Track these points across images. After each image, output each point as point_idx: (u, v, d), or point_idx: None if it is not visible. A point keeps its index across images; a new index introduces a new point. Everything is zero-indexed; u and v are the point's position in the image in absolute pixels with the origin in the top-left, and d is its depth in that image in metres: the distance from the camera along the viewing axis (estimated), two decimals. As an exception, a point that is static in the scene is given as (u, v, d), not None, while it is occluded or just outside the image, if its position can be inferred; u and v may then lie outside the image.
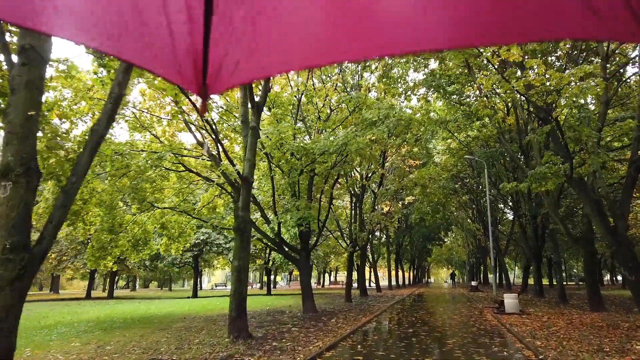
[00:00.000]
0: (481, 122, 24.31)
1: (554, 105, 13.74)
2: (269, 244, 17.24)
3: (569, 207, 29.13)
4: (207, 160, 13.19)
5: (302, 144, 15.72)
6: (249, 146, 11.39)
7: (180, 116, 13.37)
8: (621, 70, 18.68)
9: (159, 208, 18.65)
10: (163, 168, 15.82)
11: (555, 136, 15.59)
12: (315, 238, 18.77)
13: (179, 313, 19.16)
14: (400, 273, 54.80)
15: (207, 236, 34.04)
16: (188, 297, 36.88)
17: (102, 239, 18.71)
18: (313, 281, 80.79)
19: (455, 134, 31.99)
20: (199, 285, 72.99)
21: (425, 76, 24.12)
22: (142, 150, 12.86)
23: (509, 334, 11.18)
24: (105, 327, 14.29)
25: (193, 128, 14.48)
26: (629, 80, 22.13)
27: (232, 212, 17.40)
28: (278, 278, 78.99)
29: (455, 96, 26.66)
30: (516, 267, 69.46)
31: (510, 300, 15.99)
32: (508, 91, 13.29)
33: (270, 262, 38.37)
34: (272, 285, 65.76)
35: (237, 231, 11.13)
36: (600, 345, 8.74)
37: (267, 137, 17.04)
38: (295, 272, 74.11)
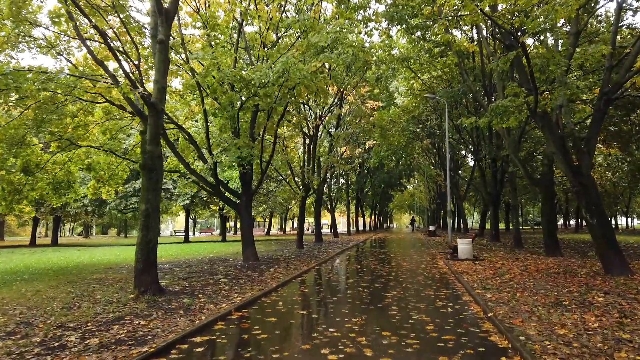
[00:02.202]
0: (444, 59, 22.48)
1: (522, 29, 12.08)
2: (205, 187, 15.37)
3: (528, 151, 28.42)
4: (111, 84, 10.93)
5: (239, 74, 13.55)
6: (157, 65, 9.22)
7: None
8: (592, 3, 17.08)
9: (80, 146, 16.30)
10: (75, 97, 13.37)
11: (521, 65, 14.03)
12: (257, 181, 16.99)
13: (111, 262, 17.38)
14: (361, 219, 54.51)
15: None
16: (134, 245, 35.07)
17: (15, 180, 16.38)
18: (275, 228, 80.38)
19: (419, 74, 30.24)
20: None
21: (387, 7, 21.88)
22: (29, 70, 10.46)
23: (458, 283, 10.01)
24: (9, 279, 12.39)
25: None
26: (599, 15, 20.70)
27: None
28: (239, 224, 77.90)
29: (419, 32, 24.65)
30: (475, 213, 70.77)
31: (463, 246, 15.00)
32: (472, 12, 11.40)
33: (226, 208, 36.67)
34: (232, 232, 64.79)
35: (145, 169, 9.18)
36: (558, 297, 7.58)
37: (199, 62, 14.77)
38: (259, 219, 73.28)
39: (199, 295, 8.83)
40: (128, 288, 9.84)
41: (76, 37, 10.80)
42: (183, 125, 17.13)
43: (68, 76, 11.22)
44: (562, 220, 58.19)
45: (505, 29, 11.31)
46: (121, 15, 11.83)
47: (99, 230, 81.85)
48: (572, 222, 59.93)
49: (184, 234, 43.74)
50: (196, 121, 20.80)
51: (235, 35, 16.52)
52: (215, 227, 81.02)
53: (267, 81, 13.08)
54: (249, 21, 15.73)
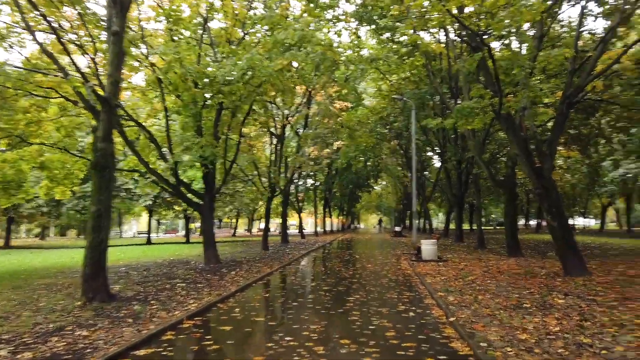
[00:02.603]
0: (412, 60, 22.52)
1: (488, 31, 12.13)
2: (165, 187, 14.75)
3: (492, 154, 28.96)
4: (62, 78, 10.26)
5: (203, 70, 13.06)
6: (111, 57, 8.67)
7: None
8: (555, 10, 17.46)
9: (32, 144, 15.42)
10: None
11: (486, 67, 14.14)
12: (221, 181, 16.49)
13: (64, 266, 16.48)
14: (329, 219, 54.41)
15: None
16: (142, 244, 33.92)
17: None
18: (242, 229, 79.28)
19: (387, 76, 30.34)
20: (118, 234, 69.05)
21: (356, 7, 21.79)
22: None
23: (421, 286, 9.89)
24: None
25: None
26: (562, 20, 21.22)
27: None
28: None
29: (387, 34, 24.68)
30: (440, 213, 71.91)
31: (427, 247, 14.98)
32: (439, 13, 11.36)
33: (190, 209, 35.74)
34: (197, 233, 63.37)
35: (96, 167, 8.61)
36: (519, 300, 7.53)
37: (161, 57, 14.14)
38: (226, 220, 72.06)
39: (152, 302, 8.35)
40: (77, 294, 9.23)
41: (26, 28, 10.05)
42: (145, 124, 16.47)
43: (15, 69, 10.46)
44: (523, 221, 59.80)
45: (472, 30, 11.30)
46: (77, 7, 11.15)
47: (57, 231, 78.54)
48: (532, 222, 61.77)
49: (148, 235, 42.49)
50: (159, 119, 20.09)
51: (200, 32, 15.98)
52: (180, 229, 79.19)
53: (231, 78, 12.67)
54: (214, 16, 15.25)
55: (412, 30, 15.13)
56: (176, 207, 39.56)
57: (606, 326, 5.61)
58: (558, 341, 5.04)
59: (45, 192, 17.99)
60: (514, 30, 11.56)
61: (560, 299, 7.57)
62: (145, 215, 56.30)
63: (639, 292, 7.99)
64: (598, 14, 17.23)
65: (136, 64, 14.34)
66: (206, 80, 12.90)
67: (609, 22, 18.01)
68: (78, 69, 9.15)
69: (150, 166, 16.36)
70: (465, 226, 49.78)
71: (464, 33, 17.24)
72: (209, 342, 5.71)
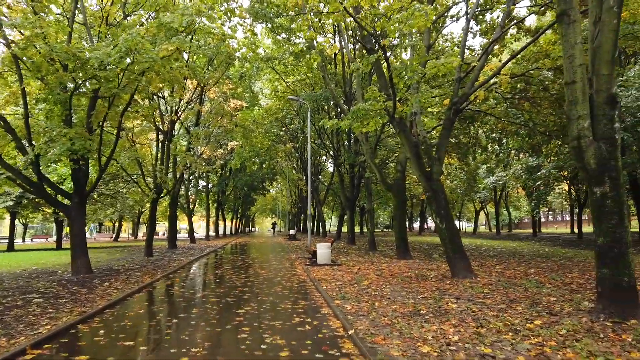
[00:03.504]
0: (308, 58, 22.29)
1: (383, 32, 12.18)
2: (25, 185, 12.47)
3: (382, 159, 30.08)
4: None
5: (72, 50, 11.21)
6: None
7: None
8: (440, 23, 18.47)
9: None
10: None
11: (381, 70, 14.30)
12: (94, 180, 14.50)
13: None
14: (222, 222, 52.44)
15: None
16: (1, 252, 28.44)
17: None
18: (126, 233, 73.30)
19: (283, 77, 29.97)
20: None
21: (251, 2, 20.99)
22: None
23: (317, 293, 9.40)
24: None
25: None
26: (446, 34, 22.62)
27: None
28: (85, 229, 68.96)
29: (284, 34, 24.28)
30: (333, 216, 73.66)
31: (322, 251, 14.68)
32: (335, 10, 11.05)
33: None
34: (67, 239, 56.75)
35: None
36: (415, 306, 7.36)
37: (20, 32, 11.97)
38: (107, 223, 65.73)
39: (-8, 325, 6.70)
40: None
41: None
42: (4, 112, 13.90)
43: None
44: (407, 224, 63.73)
45: (367, 31, 11.22)
46: None
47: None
48: (416, 225, 66.16)
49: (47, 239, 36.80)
50: (21, 107, 17.26)
51: (71, 8, 13.91)
52: (54, 233, 70.67)
53: (108, 62, 11.08)
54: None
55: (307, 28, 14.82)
56: (46, 209, 34.89)
57: (502, 332, 5.55)
58: (460, 352, 4.78)
59: None
60: (407, 32, 11.70)
61: (453, 303, 7.57)
62: (7, 218, 49.03)
63: (520, 293, 8.35)
64: (476, 31, 18.62)
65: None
66: (77, 62, 11.13)
67: (485, 40, 19.63)
68: None
69: (10, 160, 13.88)
70: (356, 229, 51.43)
71: (358, 36, 17.41)
72: (55, 381, 4.51)
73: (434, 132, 20.62)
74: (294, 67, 29.01)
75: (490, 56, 16.17)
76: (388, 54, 17.61)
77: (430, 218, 65.59)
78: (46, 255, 22.90)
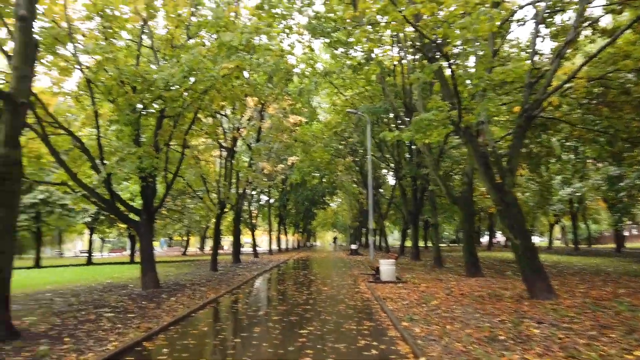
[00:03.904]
0: (367, 70, 22.08)
1: (446, 40, 11.66)
2: (98, 202, 13.13)
3: (446, 171, 28.94)
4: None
5: (139, 72, 11.76)
6: (17, 47, 7.30)
7: None
8: (506, 29, 17.53)
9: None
10: None
11: (443, 78, 13.67)
12: (161, 196, 15.02)
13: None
14: (284, 237, 53.04)
15: (47, 195, 27.88)
16: (28, 268, 30.62)
17: None
18: (194, 247, 76.17)
19: (341, 90, 29.92)
20: (58, 253, 64.27)
21: (309, 19, 21.18)
22: None
23: (382, 313, 8.93)
24: None
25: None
26: (512, 40, 21.50)
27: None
28: (155, 243, 72.55)
29: (341, 49, 24.26)
30: (395, 231, 72.23)
31: (386, 267, 14.15)
32: (395, 21, 10.73)
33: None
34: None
35: (-4, 178, 7.15)
36: (492, 330, 6.72)
37: (91, 56, 12.66)
38: (177, 238, 68.71)
39: (65, 339, 6.91)
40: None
41: None
42: (80, 133, 14.83)
43: None
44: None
45: (429, 38, 10.74)
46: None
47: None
48: (483, 240, 63.01)
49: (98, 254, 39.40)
50: (97, 128, 18.42)
51: (139, 33, 14.68)
52: (128, 247, 74.99)
53: (172, 82, 11.45)
54: (155, 15, 13.98)
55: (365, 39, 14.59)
56: (120, 225, 37.02)
57: (599, 365, 4.85)
58: (551, 389, 4.19)
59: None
60: (471, 38, 11.10)
61: (535, 328, 6.83)
62: (87, 233, 52.61)
63: (613, 318, 7.41)
64: (545, 34, 17.50)
65: (67, 65, 12.82)
66: (144, 84, 11.62)
67: (555, 43, 18.39)
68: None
69: (86, 179, 14.69)
70: (420, 243, 49.88)
71: (418, 45, 16.88)
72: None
73: (502, 141, 19.51)
74: (352, 81, 28.88)
75: (561, 60, 15.12)
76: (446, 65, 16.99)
77: (500, 232, 62.31)
78: (120, 269, 24.09)
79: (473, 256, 15.99)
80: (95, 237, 44.14)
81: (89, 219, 31.97)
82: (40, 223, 30.83)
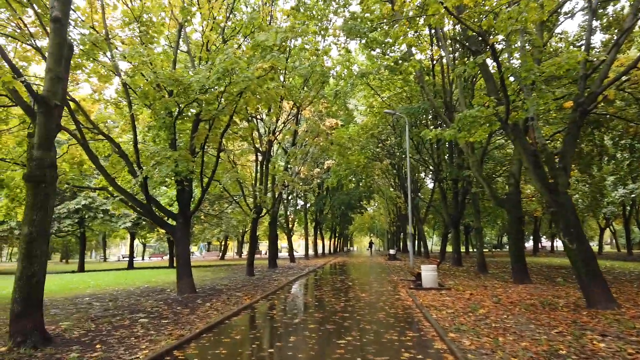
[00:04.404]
0: (406, 66, 21.45)
1: (490, 31, 10.98)
2: (135, 206, 13.16)
3: (488, 173, 27.75)
4: None
5: (175, 76, 11.69)
6: (51, 49, 7.25)
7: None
8: (554, 21, 16.51)
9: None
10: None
11: (488, 73, 12.93)
12: (197, 201, 14.92)
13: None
14: (320, 242, 52.66)
15: (90, 201, 28.69)
16: (72, 272, 31.63)
17: None
18: (232, 252, 77.07)
19: (378, 92, 29.33)
20: (102, 257, 66.57)
21: (344, 20, 20.85)
22: None
23: (426, 322, 8.34)
24: None
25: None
26: (559, 33, 20.36)
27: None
28: (194, 248, 74.04)
29: (378, 49, 23.77)
30: (434, 235, 70.49)
31: (428, 273, 13.46)
32: (436, 13, 10.16)
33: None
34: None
35: (30, 180, 7.10)
36: (550, 343, 6.04)
37: (128, 61, 12.72)
38: (215, 242, 69.73)
39: (97, 345, 6.75)
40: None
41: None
42: (120, 139, 15.04)
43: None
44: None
45: (473, 30, 10.08)
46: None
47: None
48: (528, 244, 60.40)
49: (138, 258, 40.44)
50: (134, 132, 18.75)
51: (175, 38, 14.75)
52: (168, 251, 76.84)
53: (207, 85, 11.32)
54: (190, 20, 13.99)
55: (403, 37, 14.04)
56: (160, 230, 37.76)
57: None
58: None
59: (4, 212, 16.35)
60: (519, 28, 10.34)
61: (599, 341, 6.11)
62: (128, 238, 54.19)
63: (690, 331, 6.55)
64: (596, 27, 16.40)
65: (105, 72, 12.97)
66: (180, 87, 11.54)
67: (607, 36, 17.19)
68: (8, 61, 7.57)
69: (125, 184, 14.84)
70: (461, 249, 48.28)
71: (461, 38, 16.12)
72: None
73: (550, 140, 18.40)
74: (389, 82, 28.28)
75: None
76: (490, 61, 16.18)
77: (544, 237, 59.54)
78: (159, 273, 24.38)
79: (521, 262, 15.04)
80: (136, 242, 45.32)
81: (130, 224, 32.71)
82: (84, 228, 31.81)
